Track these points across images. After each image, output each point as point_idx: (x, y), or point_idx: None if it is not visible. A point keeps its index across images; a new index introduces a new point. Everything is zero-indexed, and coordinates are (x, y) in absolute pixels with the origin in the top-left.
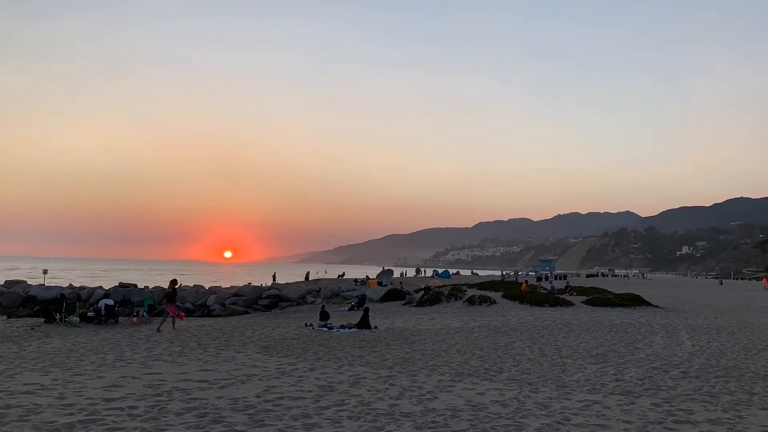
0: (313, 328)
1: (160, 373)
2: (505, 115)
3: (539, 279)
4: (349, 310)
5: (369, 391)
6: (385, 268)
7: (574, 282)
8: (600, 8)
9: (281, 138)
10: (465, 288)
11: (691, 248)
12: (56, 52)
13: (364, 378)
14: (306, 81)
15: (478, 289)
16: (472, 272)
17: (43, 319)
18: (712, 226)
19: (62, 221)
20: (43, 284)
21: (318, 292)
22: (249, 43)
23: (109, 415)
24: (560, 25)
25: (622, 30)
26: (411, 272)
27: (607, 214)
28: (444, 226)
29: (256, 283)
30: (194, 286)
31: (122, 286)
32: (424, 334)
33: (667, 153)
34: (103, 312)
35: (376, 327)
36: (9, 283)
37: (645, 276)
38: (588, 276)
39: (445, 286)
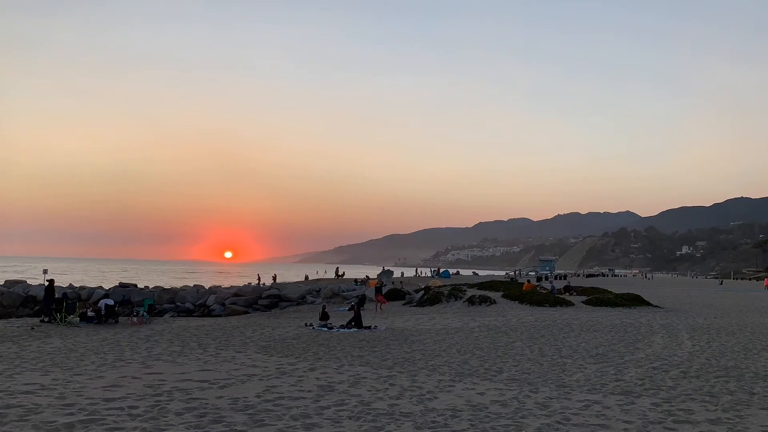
0: (313, 328)
1: (160, 373)
2: (506, 116)
3: (539, 279)
4: (349, 310)
5: (369, 391)
6: (385, 268)
7: (574, 282)
8: (600, 8)
9: (281, 138)
10: (465, 288)
11: (691, 248)
12: (56, 52)
13: (364, 378)
14: (306, 81)
15: (478, 289)
16: (473, 273)
17: (46, 319)
18: (712, 226)
19: (62, 221)
20: (44, 284)
21: (318, 292)
22: (249, 44)
23: (109, 415)
24: (560, 26)
25: (621, 30)
26: (409, 272)
27: (607, 214)
28: (444, 226)
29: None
30: (194, 286)
31: (122, 286)
32: (424, 334)
33: (667, 153)
34: (103, 312)
35: (375, 327)
36: (9, 283)
37: (647, 276)
38: (588, 276)
39: (445, 286)
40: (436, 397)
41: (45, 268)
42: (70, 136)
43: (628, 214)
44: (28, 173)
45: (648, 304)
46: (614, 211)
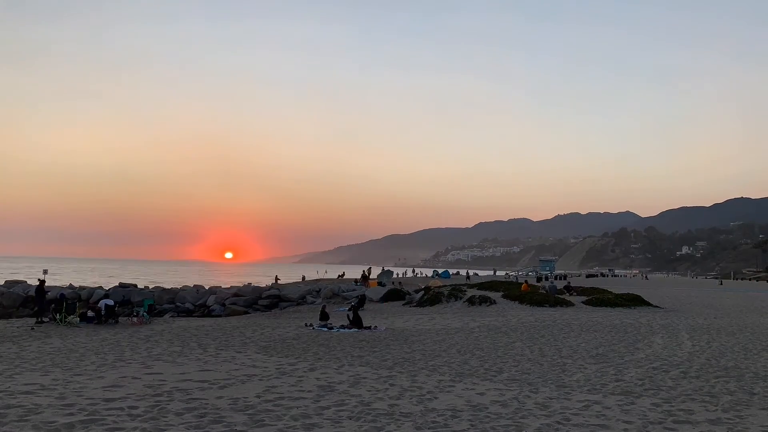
0: (313, 329)
1: (160, 373)
2: (506, 116)
3: (539, 279)
4: (349, 310)
5: (369, 391)
6: (385, 268)
7: (574, 282)
8: (600, 8)
9: (281, 138)
10: (465, 288)
11: (691, 248)
12: (56, 53)
13: (364, 378)
14: (306, 81)
15: (478, 289)
16: (474, 273)
17: (46, 319)
18: (712, 226)
19: (62, 221)
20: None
21: (318, 292)
22: (249, 44)
23: (109, 415)
24: (560, 25)
25: (621, 29)
26: (407, 273)
27: (607, 214)
28: (444, 226)
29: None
30: (194, 286)
31: (122, 286)
32: (424, 334)
33: (667, 153)
34: (103, 312)
35: (375, 327)
36: (9, 283)
37: (646, 276)
38: (588, 276)
39: (445, 286)
40: (436, 398)
41: (45, 268)
42: (70, 137)
43: (628, 214)
44: (28, 173)
45: (648, 304)
46: (614, 211)
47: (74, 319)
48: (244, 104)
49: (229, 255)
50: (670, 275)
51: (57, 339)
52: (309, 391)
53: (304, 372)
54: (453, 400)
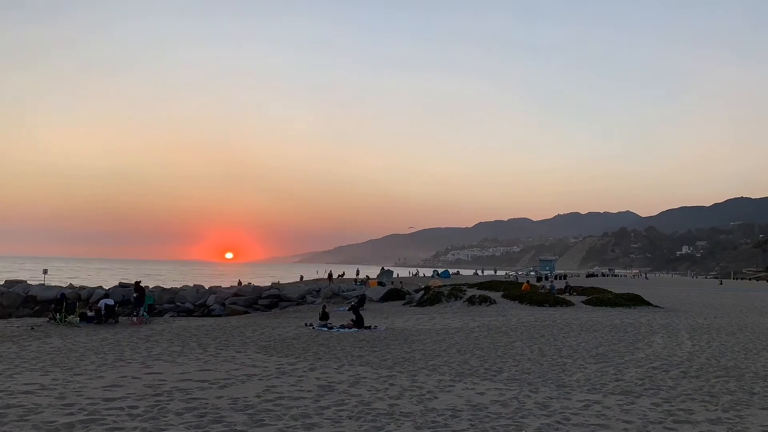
0: (313, 328)
1: (160, 373)
2: (506, 115)
3: (539, 279)
4: (349, 309)
5: (369, 391)
6: (385, 268)
7: (574, 282)
8: (599, 8)
9: (281, 138)
10: (465, 288)
11: (691, 248)
12: (55, 53)
13: (364, 378)
14: (306, 81)
15: (478, 289)
16: (475, 272)
17: (47, 319)
18: (712, 226)
19: (62, 221)
20: (43, 284)
21: (318, 292)
22: (249, 44)
23: (109, 415)
24: (559, 25)
25: (621, 29)
26: (403, 273)
27: (607, 214)
28: (444, 226)
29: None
30: (194, 286)
31: (122, 286)
32: (424, 334)
33: (667, 153)
34: (103, 312)
35: (375, 327)
36: (9, 283)
37: (646, 276)
38: (588, 276)
39: (445, 286)
40: (436, 397)
41: (45, 268)
42: (70, 137)
43: (628, 214)
44: (29, 173)
45: (648, 304)
46: (614, 211)
47: (74, 318)
48: (245, 104)
49: (229, 255)
50: (671, 275)
51: (57, 339)
52: (309, 391)
53: (304, 372)
54: (453, 400)
